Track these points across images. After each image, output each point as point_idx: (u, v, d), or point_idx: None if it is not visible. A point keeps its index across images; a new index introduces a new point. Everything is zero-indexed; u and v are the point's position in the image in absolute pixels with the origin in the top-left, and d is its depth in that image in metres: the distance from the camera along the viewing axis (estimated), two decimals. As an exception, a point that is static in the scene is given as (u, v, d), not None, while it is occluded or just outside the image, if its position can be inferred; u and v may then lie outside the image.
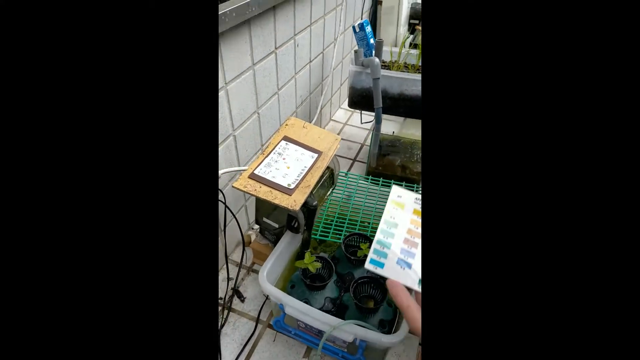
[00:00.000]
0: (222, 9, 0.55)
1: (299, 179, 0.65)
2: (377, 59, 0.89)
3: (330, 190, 0.80)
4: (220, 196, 0.70)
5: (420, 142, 1.17)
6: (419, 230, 0.35)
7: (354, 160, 1.19)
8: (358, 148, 1.24)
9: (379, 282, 0.63)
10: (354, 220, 0.81)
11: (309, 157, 0.69)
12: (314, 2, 0.92)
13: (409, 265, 0.33)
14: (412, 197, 0.37)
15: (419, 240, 0.34)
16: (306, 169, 0.67)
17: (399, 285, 0.32)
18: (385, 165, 1.05)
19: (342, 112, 1.41)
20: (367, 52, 1.05)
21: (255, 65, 0.73)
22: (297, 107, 1.01)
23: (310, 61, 1.01)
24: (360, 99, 1.03)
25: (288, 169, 0.66)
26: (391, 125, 1.31)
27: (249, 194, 0.62)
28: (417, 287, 0.32)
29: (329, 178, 0.77)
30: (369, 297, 0.64)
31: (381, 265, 0.33)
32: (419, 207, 0.36)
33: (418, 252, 0.34)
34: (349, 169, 1.15)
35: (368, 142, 1.26)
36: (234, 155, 0.75)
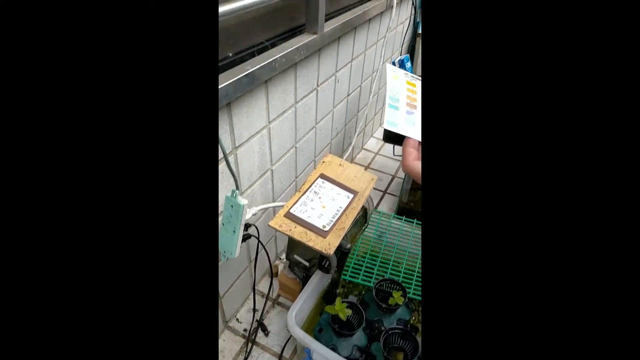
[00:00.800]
0: (273, 55, 0.57)
1: (334, 220, 0.64)
2: (416, 98, 0.89)
3: (363, 229, 0.79)
4: (253, 230, 0.71)
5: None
6: (414, 95, 0.43)
7: (385, 192, 1.18)
8: (389, 180, 1.23)
9: (411, 335, 0.61)
10: (385, 261, 0.79)
11: (344, 197, 0.69)
12: (356, 39, 0.94)
13: (414, 122, 0.41)
14: (402, 72, 0.46)
15: (415, 103, 0.42)
16: (341, 210, 0.67)
17: (410, 141, 0.40)
18: (417, 201, 1.03)
19: (374, 141, 1.41)
20: (406, 87, 1.05)
21: (297, 103, 0.75)
22: (332, 138, 1.02)
23: (348, 95, 1.02)
24: (395, 135, 1.03)
25: (323, 209, 0.66)
26: (424, 158, 1.29)
27: (284, 233, 0.62)
28: (419, 138, 0.40)
29: (362, 217, 0.77)
30: (398, 349, 0.62)
31: (395, 125, 0.41)
32: (410, 79, 0.45)
33: (416, 111, 0.42)
34: (379, 202, 1.14)
35: (399, 174, 1.24)
36: (270, 188, 0.76)
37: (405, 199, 1.03)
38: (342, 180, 0.72)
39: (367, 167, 1.28)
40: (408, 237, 0.85)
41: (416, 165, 0.39)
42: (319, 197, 0.68)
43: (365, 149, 1.37)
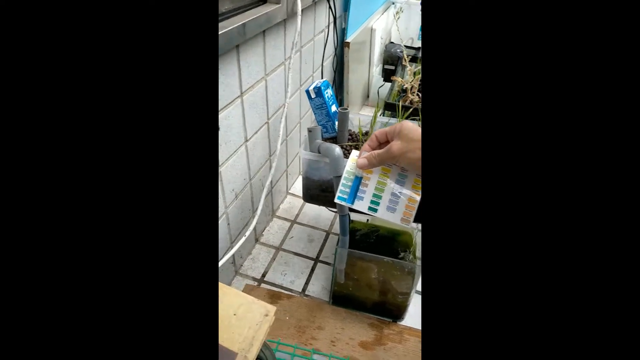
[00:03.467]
0: None
1: None
2: (337, 149, 0.60)
3: (263, 388, 0.48)
4: None
5: (404, 235, 0.88)
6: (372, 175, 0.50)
7: (316, 260, 0.87)
8: (322, 239, 0.93)
9: None
10: None
11: (208, 376, 0.37)
12: (243, 62, 0.62)
13: (362, 198, 0.50)
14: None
15: (369, 182, 0.50)
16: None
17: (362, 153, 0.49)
18: (358, 280, 0.74)
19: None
20: (328, 123, 0.75)
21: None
22: (226, 207, 0.69)
23: (247, 140, 0.71)
24: (319, 193, 0.73)
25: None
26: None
27: None
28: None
29: (258, 376, 0.45)
30: None
31: (344, 199, 0.50)
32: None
33: (367, 189, 0.49)
34: (310, 276, 0.83)
35: (336, 228, 0.95)
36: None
37: (342, 279, 0.74)
38: (208, 330, 0.40)
39: (294, 221, 0.97)
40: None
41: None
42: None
43: (292, 194, 1.06)
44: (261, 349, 0.43)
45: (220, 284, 0.45)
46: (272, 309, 0.43)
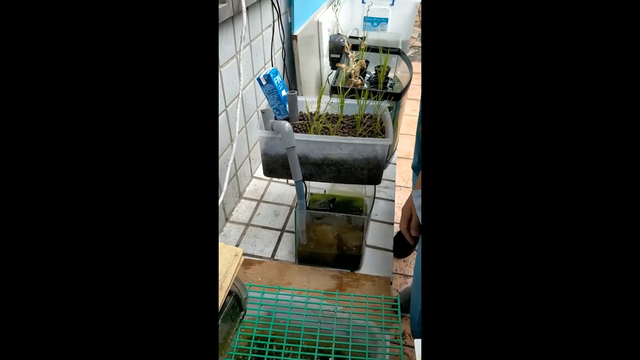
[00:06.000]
0: None
1: None
2: (287, 125, 0.70)
3: (239, 320, 0.58)
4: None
5: (357, 200, 1.01)
6: None
7: (282, 230, 0.98)
8: (287, 213, 1.04)
9: None
10: (276, 342, 0.60)
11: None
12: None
13: None
14: None
15: None
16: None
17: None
18: (318, 240, 0.86)
19: (267, 166, 1.21)
20: (280, 107, 0.86)
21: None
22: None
23: (208, 126, 0.79)
24: (277, 167, 0.83)
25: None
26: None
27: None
28: None
29: (233, 307, 0.56)
30: None
31: None
32: None
33: None
34: (277, 244, 0.94)
35: (298, 202, 1.06)
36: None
37: (304, 240, 0.85)
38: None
39: (260, 200, 1.07)
40: (299, 311, 0.66)
41: None
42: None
43: (257, 177, 1.16)
44: (234, 284, 0.53)
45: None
46: (240, 250, 0.53)
